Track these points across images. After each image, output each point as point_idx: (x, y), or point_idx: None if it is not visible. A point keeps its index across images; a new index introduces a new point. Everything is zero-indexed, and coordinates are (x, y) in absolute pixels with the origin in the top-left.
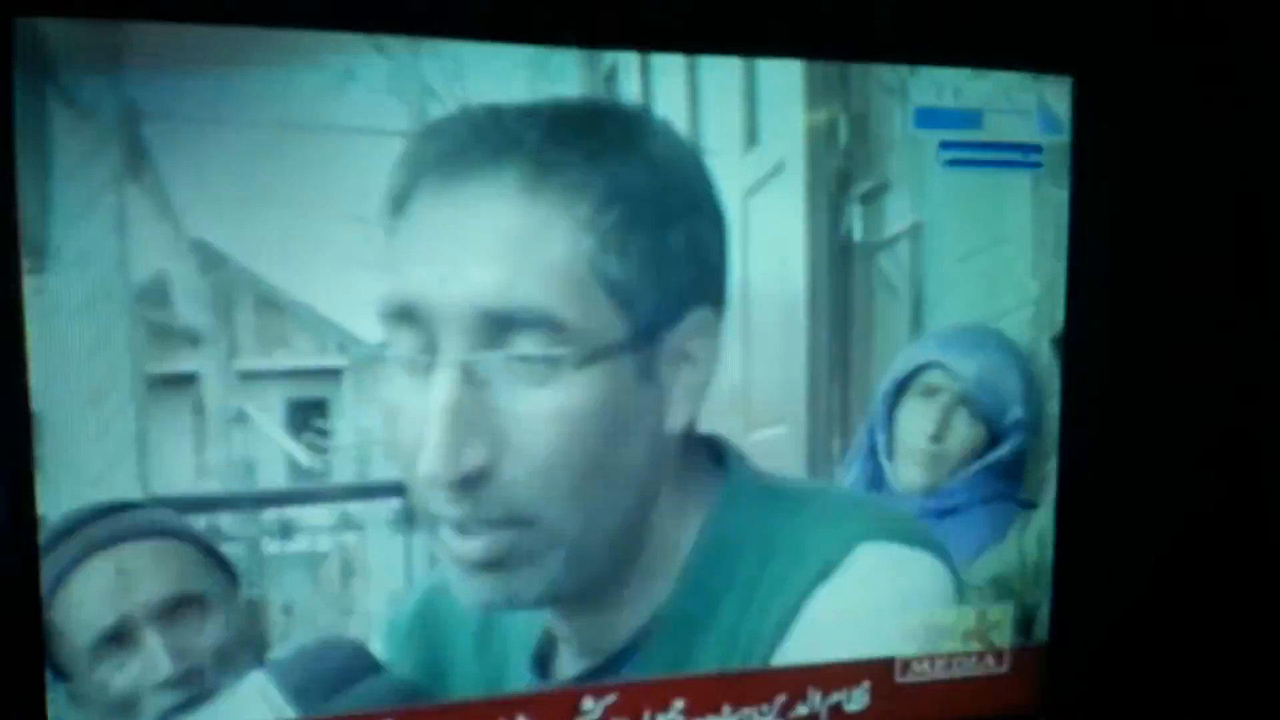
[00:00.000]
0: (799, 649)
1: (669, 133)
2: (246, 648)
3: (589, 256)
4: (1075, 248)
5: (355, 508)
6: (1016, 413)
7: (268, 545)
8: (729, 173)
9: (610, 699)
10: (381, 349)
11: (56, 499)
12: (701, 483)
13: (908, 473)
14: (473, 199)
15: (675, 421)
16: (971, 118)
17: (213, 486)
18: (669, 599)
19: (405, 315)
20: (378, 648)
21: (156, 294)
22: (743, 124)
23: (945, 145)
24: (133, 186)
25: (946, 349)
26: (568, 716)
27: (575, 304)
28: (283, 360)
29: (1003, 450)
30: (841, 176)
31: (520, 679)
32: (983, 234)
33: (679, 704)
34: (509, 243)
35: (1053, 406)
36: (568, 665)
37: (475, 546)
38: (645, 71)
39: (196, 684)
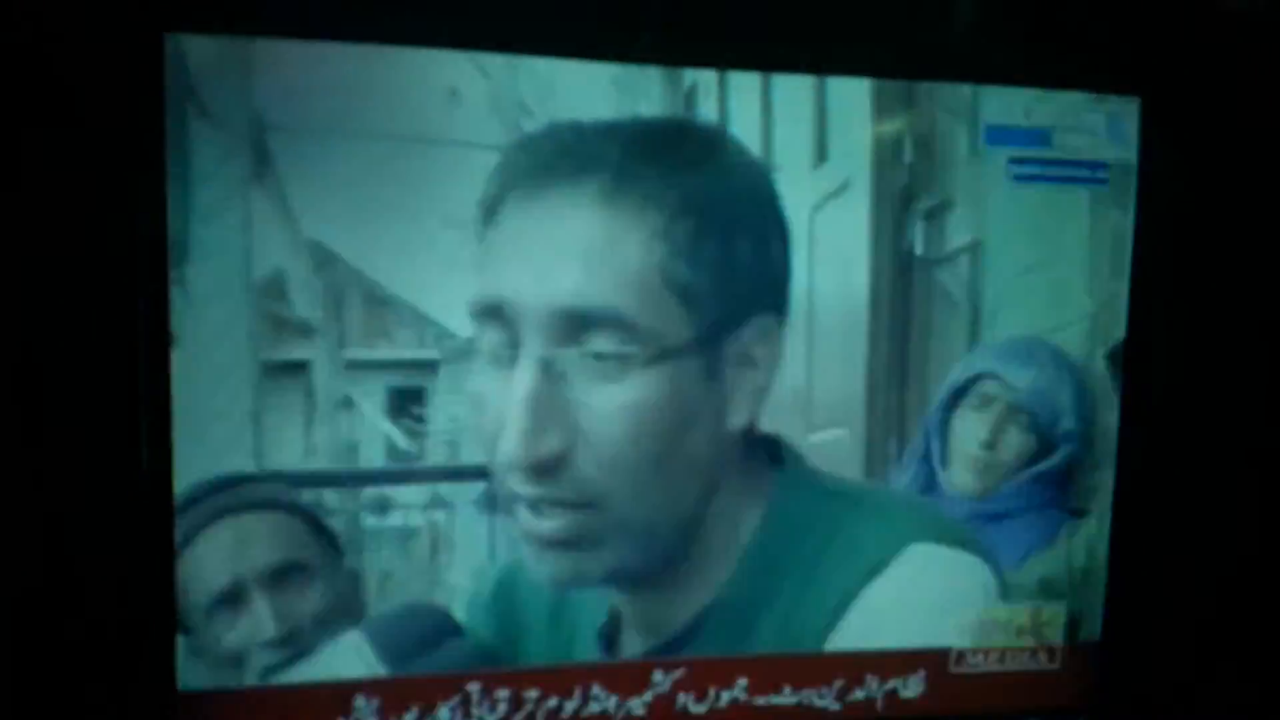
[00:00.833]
0: (848, 640)
1: (739, 150)
2: (344, 614)
3: (661, 263)
4: (1139, 263)
5: (445, 488)
6: (1068, 424)
7: (366, 520)
8: (798, 188)
9: (679, 673)
10: (470, 343)
11: (183, 471)
12: (760, 478)
13: (960, 478)
14: (556, 209)
15: (737, 420)
16: (1041, 135)
17: (320, 464)
18: (726, 587)
19: (492, 313)
20: (461, 617)
21: (275, 288)
22: (812, 142)
23: (1014, 161)
24: (257, 190)
25: (1002, 360)
26: (639, 687)
27: (646, 306)
28: (385, 351)
29: (1053, 460)
30: (905, 193)
31: (587, 654)
32: (1040, 251)
33: (742, 681)
34: (588, 249)
35: (1105, 419)
36: (631, 644)
37: (548, 525)
38: (722, 91)
39: (298, 644)
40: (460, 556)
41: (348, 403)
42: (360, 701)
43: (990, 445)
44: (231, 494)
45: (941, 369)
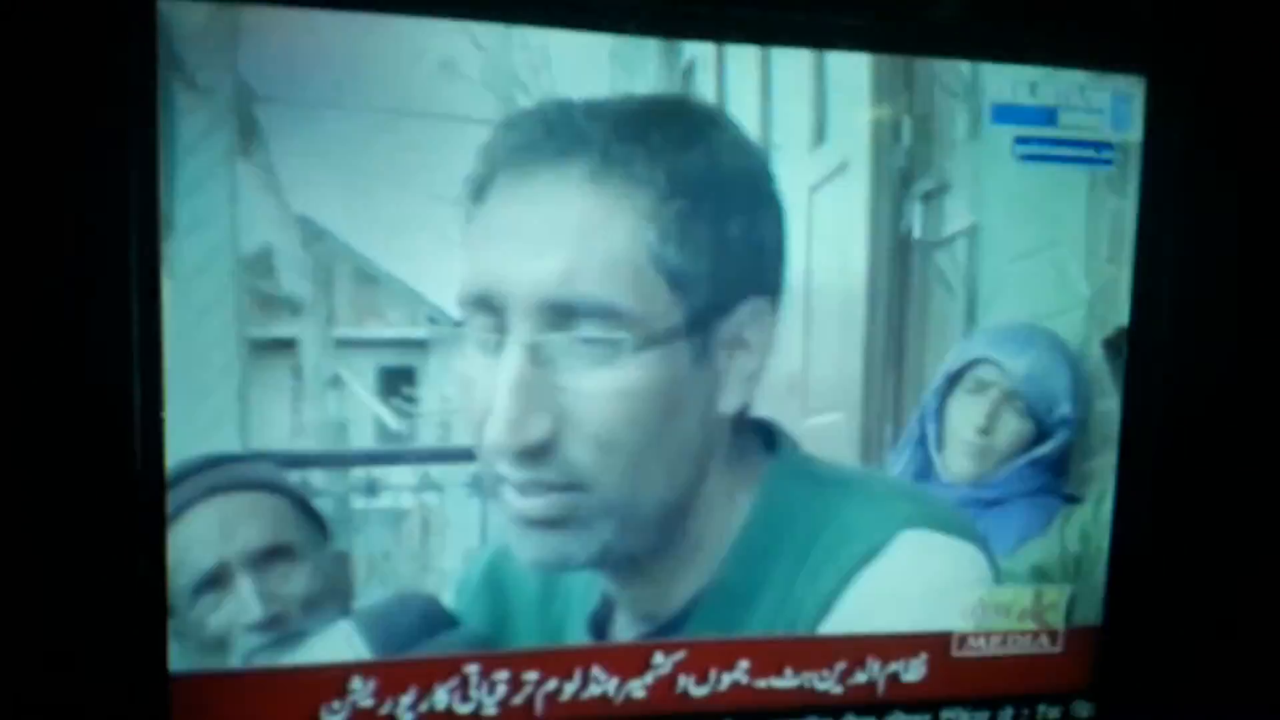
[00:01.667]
0: (841, 627)
1: (731, 128)
2: (332, 597)
3: (649, 246)
4: (1142, 245)
5: (436, 470)
6: (1064, 410)
7: (355, 501)
8: (795, 168)
9: (679, 655)
10: (459, 326)
11: (168, 450)
12: (752, 464)
13: (956, 463)
14: (543, 191)
15: (728, 404)
16: (1047, 114)
17: (308, 444)
18: (718, 573)
19: (479, 297)
20: (450, 602)
21: (262, 264)
22: (811, 122)
23: (1020, 140)
24: (244, 163)
25: (998, 346)
26: (639, 669)
27: (635, 292)
28: (375, 330)
29: (1049, 445)
30: (903, 175)
31: (578, 639)
32: (1038, 236)
33: (744, 664)
34: (574, 235)
35: (1101, 404)
36: (623, 629)
37: (533, 505)
38: (720, 68)
39: (283, 628)
40: (451, 540)
41: (337, 382)
42: (356, 684)
43: (986, 431)
44: (217, 473)
45: (937, 354)
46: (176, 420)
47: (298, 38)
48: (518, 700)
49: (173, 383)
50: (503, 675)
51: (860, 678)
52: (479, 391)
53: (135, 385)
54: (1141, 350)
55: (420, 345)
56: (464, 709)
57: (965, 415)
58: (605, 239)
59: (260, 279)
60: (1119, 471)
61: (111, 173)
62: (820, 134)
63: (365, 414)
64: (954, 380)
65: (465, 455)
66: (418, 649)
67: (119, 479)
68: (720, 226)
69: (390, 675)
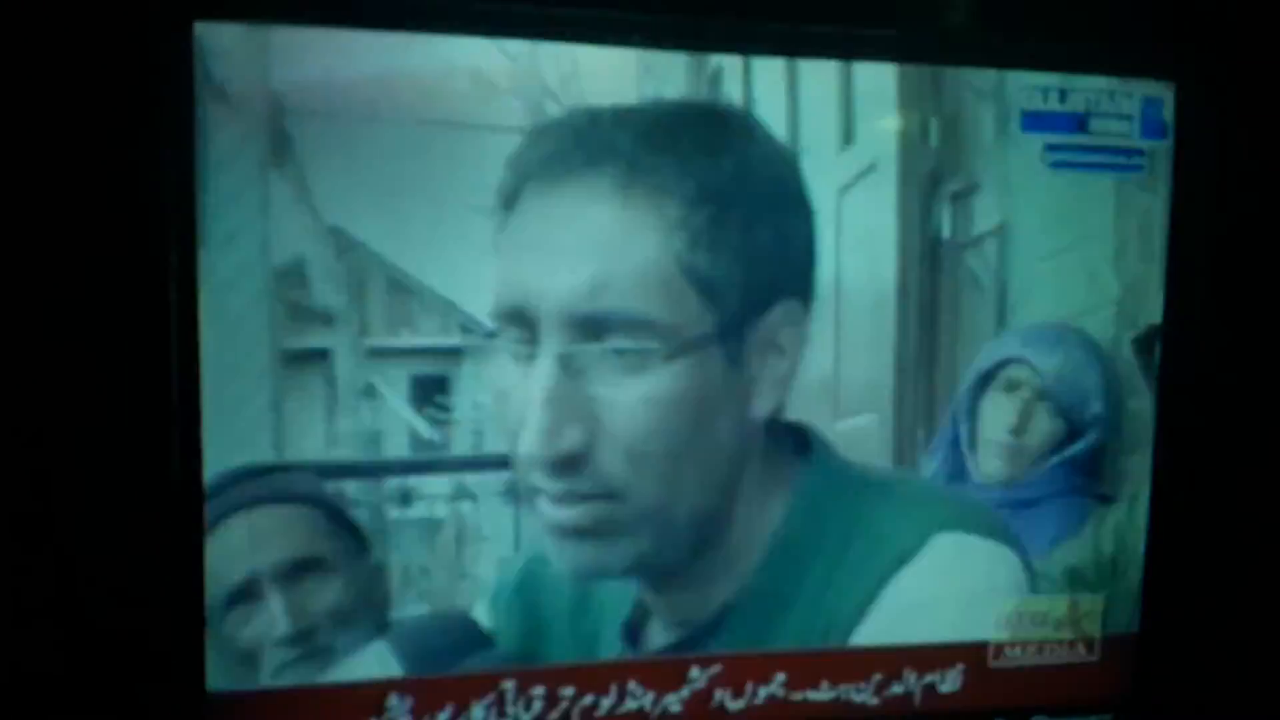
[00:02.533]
0: (877, 632)
1: (759, 133)
2: (365, 611)
3: (679, 255)
4: (1174, 243)
5: (470, 479)
6: (1096, 409)
7: (389, 511)
8: (824, 171)
9: (715, 669)
10: (492, 337)
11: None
12: (786, 467)
13: (988, 464)
14: (571, 202)
15: (761, 408)
16: (1078, 121)
17: (342, 454)
18: (752, 579)
19: (511, 310)
20: (484, 613)
21: (295, 275)
22: (838, 125)
23: (1050, 148)
24: (276, 175)
25: (1029, 345)
26: (675, 683)
27: (666, 302)
28: (408, 339)
29: (1081, 445)
30: (932, 177)
31: (612, 648)
32: (1067, 235)
33: (780, 677)
34: (603, 247)
35: (1132, 404)
36: (657, 637)
37: (569, 515)
38: (747, 74)
39: (313, 643)
40: (486, 549)
41: (370, 391)
42: (393, 701)
43: (1018, 431)
44: (249, 486)
45: (969, 354)
46: (212, 432)
47: (328, 52)
48: (554, 716)
49: (208, 395)
50: (539, 691)
51: (897, 689)
52: (513, 403)
53: (174, 398)
54: (1174, 348)
55: (453, 353)
56: None
57: (997, 415)
58: (634, 250)
59: (293, 290)
60: (1153, 471)
61: (149, 187)
62: (848, 135)
63: (399, 423)
64: (985, 380)
65: (500, 463)
66: (454, 669)
67: (157, 491)
68: (750, 231)
69: (427, 692)
